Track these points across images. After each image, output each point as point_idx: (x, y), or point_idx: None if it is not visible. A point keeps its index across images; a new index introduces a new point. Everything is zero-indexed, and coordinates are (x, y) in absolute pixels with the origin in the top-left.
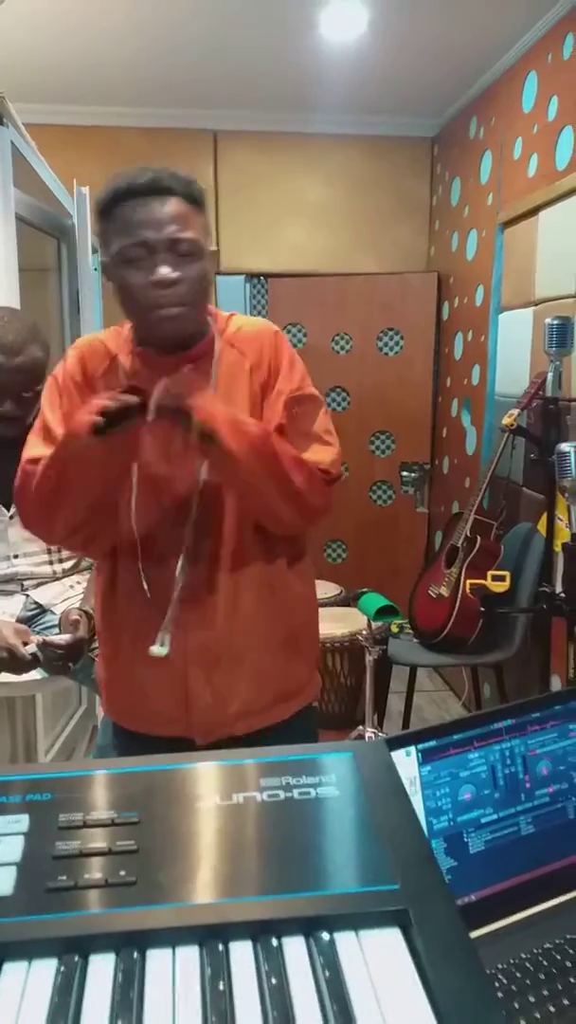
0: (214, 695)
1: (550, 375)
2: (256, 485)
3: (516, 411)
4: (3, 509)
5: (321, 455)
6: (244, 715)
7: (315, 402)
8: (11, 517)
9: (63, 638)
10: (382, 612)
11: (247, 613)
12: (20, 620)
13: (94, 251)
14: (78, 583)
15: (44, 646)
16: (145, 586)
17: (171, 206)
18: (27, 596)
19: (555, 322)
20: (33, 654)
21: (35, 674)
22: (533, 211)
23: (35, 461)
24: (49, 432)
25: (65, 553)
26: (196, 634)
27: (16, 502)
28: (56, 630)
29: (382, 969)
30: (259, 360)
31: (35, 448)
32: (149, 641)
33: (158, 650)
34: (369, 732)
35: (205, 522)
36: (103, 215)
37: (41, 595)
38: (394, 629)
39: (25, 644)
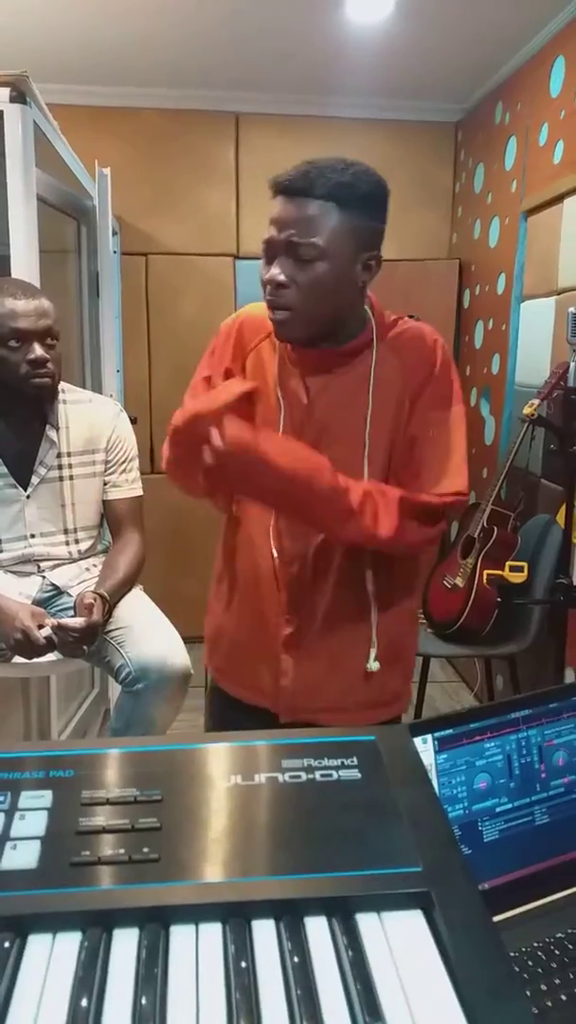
0: (304, 683)
1: (572, 365)
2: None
3: (536, 401)
4: (20, 488)
5: (428, 485)
6: (330, 710)
7: (457, 423)
8: (28, 497)
9: (77, 621)
10: None
11: (349, 614)
12: (36, 601)
13: (114, 233)
14: (95, 565)
15: (58, 629)
16: (274, 553)
17: (299, 210)
18: (43, 577)
19: None
20: (48, 638)
21: (49, 656)
22: (558, 199)
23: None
24: (199, 380)
25: (82, 534)
26: (295, 620)
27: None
28: (72, 612)
29: (404, 950)
30: (413, 372)
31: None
32: (260, 604)
33: (371, 665)
34: None
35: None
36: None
37: (58, 577)
38: None
39: (40, 628)
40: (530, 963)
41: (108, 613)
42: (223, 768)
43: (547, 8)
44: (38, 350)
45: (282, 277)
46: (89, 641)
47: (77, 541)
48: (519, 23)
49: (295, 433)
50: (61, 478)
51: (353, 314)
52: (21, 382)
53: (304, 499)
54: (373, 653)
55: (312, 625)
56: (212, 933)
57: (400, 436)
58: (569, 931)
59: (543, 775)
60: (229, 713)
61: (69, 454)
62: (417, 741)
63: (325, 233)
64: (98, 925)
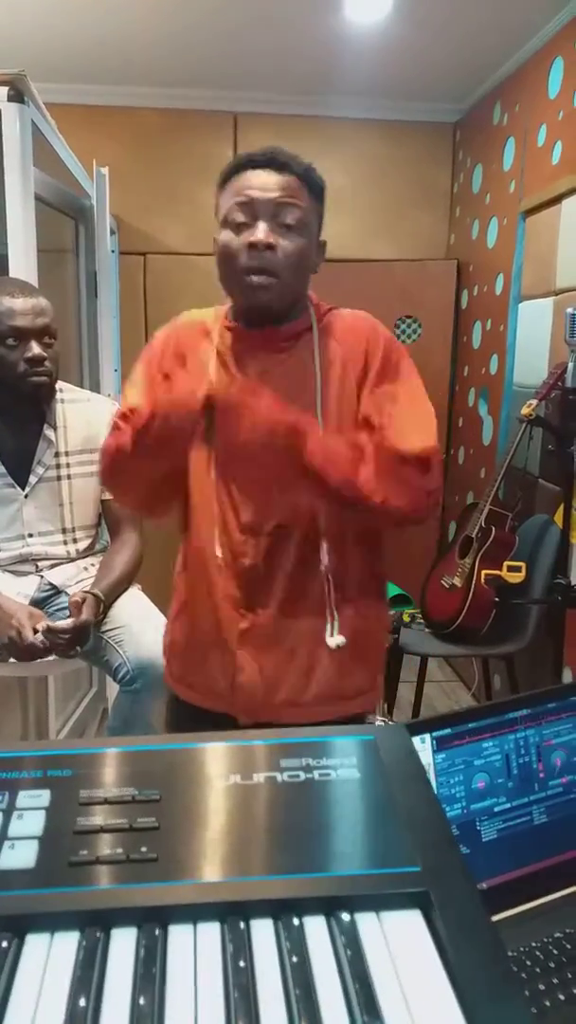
0: (261, 678)
1: (570, 365)
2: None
3: (534, 402)
4: (18, 488)
5: (407, 440)
6: (291, 705)
7: (416, 391)
8: (26, 496)
9: (66, 623)
10: (395, 601)
11: (309, 605)
12: (34, 601)
13: (112, 232)
14: (92, 565)
15: (48, 632)
16: (218, 552)
17: (283, 177)
18: (41, 577)
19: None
20: (41, 642)
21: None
22: (556, 199)
23: (127, 415)
24: (143, 386)
25: (80, 534)
26: (249, 614)
27: (103, 459)
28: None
29: (403, 950)
30: (355, 352)
31: (130, 398)
32: (214, 602)
33: (333, 640)
34: (379, 721)
35: (282, 503)
36: (220, 187)
37: (55, 576)
38: (405, 618)
39: (36, 632)
40: (528, 963)
41: (104, 613)
42: (222, 767)
43: (545, 9)
44: (35, 348)
45: (272, 238)
46: (81, 641)
47: (75, 540)
48: (517, 24)
49: (250, 414)
50: (59, 477)
51: (303, 298)
52: (18, 380)
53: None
54: (332, 627)
55: (267, 616)
56: (210, 933)
57: (351, 421)
58: (567, 931)
59: (541, 775)
60: (187, 724)
61: (67, 453)
62: (415, 741)
63: (305, 205)
64: (96, 925)
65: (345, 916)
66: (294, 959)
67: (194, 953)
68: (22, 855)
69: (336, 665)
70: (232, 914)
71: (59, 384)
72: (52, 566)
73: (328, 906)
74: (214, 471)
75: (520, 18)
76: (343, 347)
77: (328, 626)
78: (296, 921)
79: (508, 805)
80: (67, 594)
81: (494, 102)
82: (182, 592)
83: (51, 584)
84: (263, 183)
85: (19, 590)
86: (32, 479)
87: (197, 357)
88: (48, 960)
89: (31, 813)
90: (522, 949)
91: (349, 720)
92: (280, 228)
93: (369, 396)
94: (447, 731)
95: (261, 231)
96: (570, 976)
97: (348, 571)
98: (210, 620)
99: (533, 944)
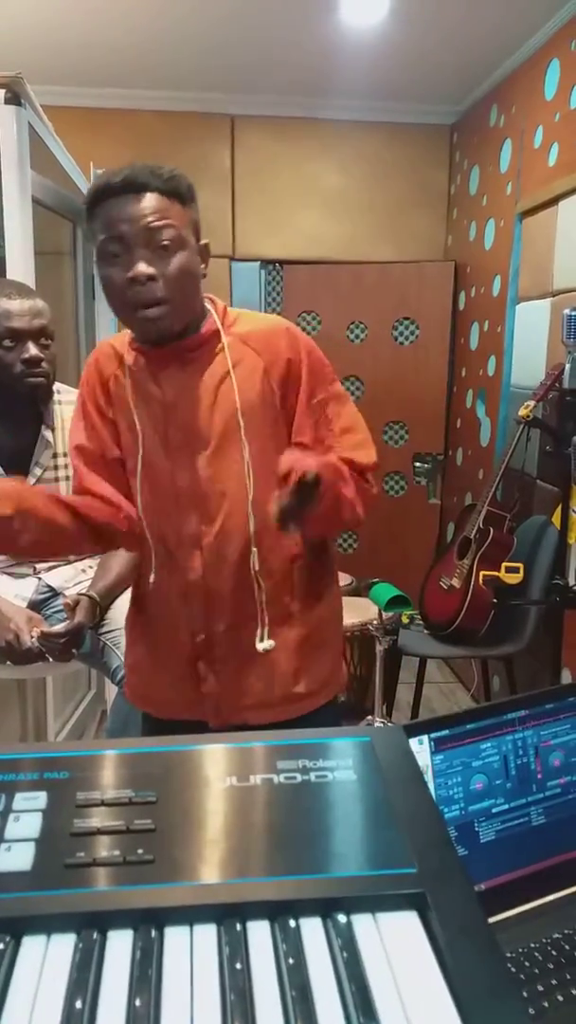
0: (223, 687)
1: (567, 367)
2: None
3: (532, 403)
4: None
5: (364, 454)
6: (258, 707)
7: (345, 397)
8: None
9: (60, 628)
10: (393, 602)
11: (252, 607)
12: (32, 603)
13: None
14: (91, 567)
15: (42, 638)
16: (151, 577)
17: (147, 201)
18: (39, 579)
19: (573, 313)
20: (38, 648)
21: None
22: (553, 201)
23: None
24: (82, 423)
25: None
26: (208, 624)
27: None
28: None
29: (399, 951)
30: (275, 359)
31: (75, 438)
32: (173, 619)
33: (262, 645)
34: (378, 722)
35: (200, 509)
36: (88, 216)
37: (53, 578)
38: (404, 620)
39: (33, 637)
40: (527, 964)
41: (101, 615)
42: (218, 769)
43: (542, 11)
44: (32, 350)
45: (151, 269)
46: (76, 644)
47: None
48: (514, 26)
49: (159, 439)
50: (57, 479)
51: (199, 307)
52: (15, 381)
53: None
54: (261, 632)
55: (221, 627)
56: (207, 935)
57: (276, 425)
58: (566, 931)
59: (539, 776)
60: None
61: (64, 454)
62: (413, 742)
63: (176, 221)
64: (92, 927)
65: (341, 918)
66: (290, 961)
67: (190, 955)
68: (19, 857)
69: (298, 662)
70: (228, 916)
71: (57, 385)
72: (50, 568)
73: (324, 908)
74: (139, 494)
75: (516, 20)
76: (262, 355)
77: (258, 631)
78: (292, 923)
79: (506, 806)
80: (64, 596)
81: (491, 104)
82: (140, 610)
83: (49, 586)
84: (128, 213)
85: (17, 592)
86: (30, 480)
87: (118, 388)
88: (44, 962)
89: (28, 815)
90: (521, 950)
91: (321, 710)
92: (157, 251)
93: (306, 409)
94: (445, 732)
95: (140, 266)
96: (569, 977)
97: (289, 570)
98: (169, 635)
99: (532, 945)
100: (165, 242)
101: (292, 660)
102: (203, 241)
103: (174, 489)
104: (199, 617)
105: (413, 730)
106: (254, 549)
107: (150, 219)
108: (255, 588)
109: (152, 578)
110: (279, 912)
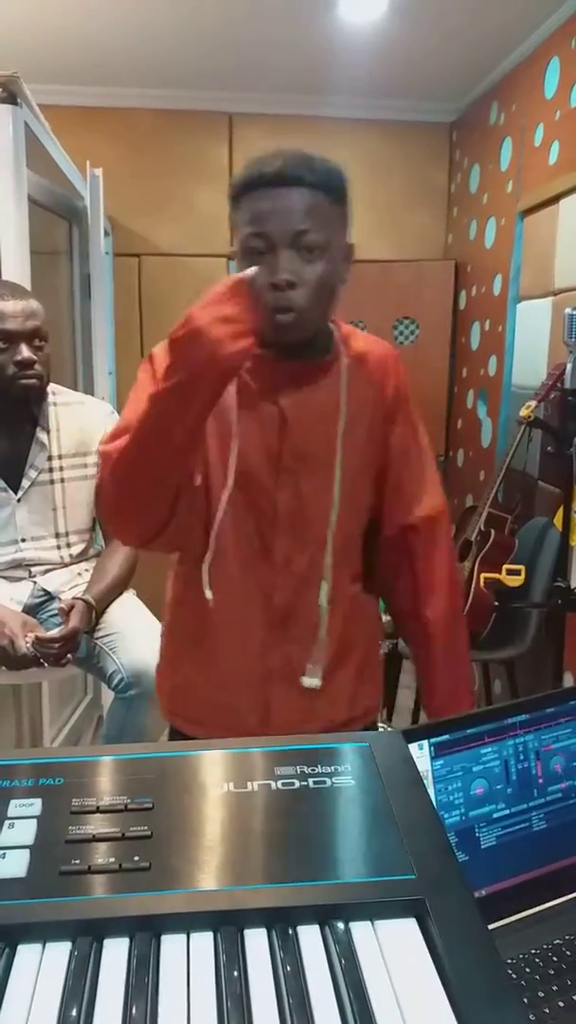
0: (297, 713)
1: (569, 366)
2: None
3: (533, 403)
4: (11, 491)
5: (440, 503)
6: (321, 732)
7: (428, 446)
8: (19, 500)
9: (55, 633)
10: None
11: (334, 632)
12: (28, 607)
13: (106, 234)
14: (86, 571)
15: (37, 643)
16: (209, 593)
17: (298, 196)
18: (35, 583)
19: (574, 312)
20: (33, 654)
21: None
22: (554, 199)
23: (116, 434)
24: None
25: (74, 538)
26: (283, 649)
27: (98, 494)
28: None
29: (398, 958)
30: (382, 388)
31: (124, 417)
32: (245, 644)
33: (310, 681)
34: (379, 726)
35: (295, 533)
36: (233, 203)
37: (49, 582)
38: None
39: (28, 642)
40: (527, 970)
41: (96, 619)
42: (215, 775)
43: (542, 9)
44: (25, 351)
45: (293, 276)
46: (71, 649)
47: (69, 545)
48: (514, 23)
49: (265, 458)
50: (52, 481)
51: (328, 320)
52: (8, 383)
53: None
54: (316, 669)
55: (296, 649)
56: (203, 942)
57: (372, 459)
58: (567, 937)
59: (540, 780)
60: None
61: (60, 456)
62: (413, 747)
63: (327, 223)
64: (88, 934)
65: (340, 925)
66: (288, 968)
67: (187, 963)
68: (13, 865)
69: (355, 687)
70: (226, 923)
71: (52, 387)
72: (46, 571)
73: (322, 915)
74: (224, 497)
75: (516, 17)
76: (372, 381)
77: (314, 668)
78: (290, 930)
79: (507, 811)
80: (60, 600)
81: (491, 102)
82: (198, 630)
83: (44, 590)
84: (278, 209)
85: (12, 596)
86: (25, 483)
87: None
88: (40, 970)
89: (22, 822)
90: (522, 956)
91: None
92: (302, 252)
93: (398, 437)
94: (445, 737)
95: (282, 271)
96: (569, 983)
97: (349, 602)
98: (240, 661)
99: (533, 951)
100: (311, 247)
101: (351, 684)
102: (351, 243)
103: (272, 509)
104: (277, 642)
105: (413, 735)
106: (325, 584)
107: (298, 220)
108: (318, 619)
109: (209, 594)
110: (277, 919)
